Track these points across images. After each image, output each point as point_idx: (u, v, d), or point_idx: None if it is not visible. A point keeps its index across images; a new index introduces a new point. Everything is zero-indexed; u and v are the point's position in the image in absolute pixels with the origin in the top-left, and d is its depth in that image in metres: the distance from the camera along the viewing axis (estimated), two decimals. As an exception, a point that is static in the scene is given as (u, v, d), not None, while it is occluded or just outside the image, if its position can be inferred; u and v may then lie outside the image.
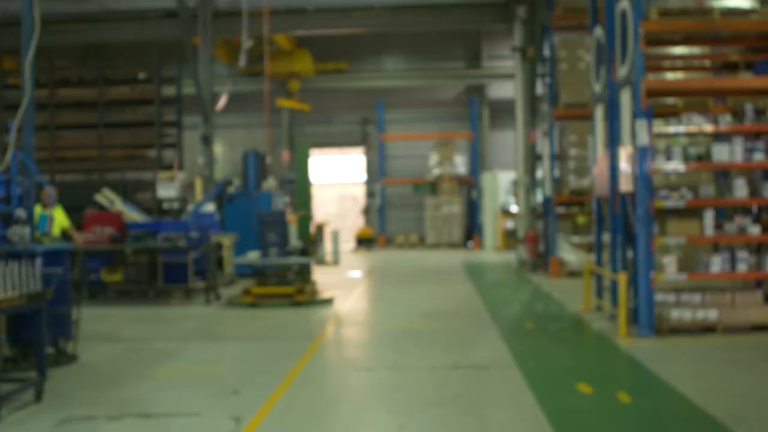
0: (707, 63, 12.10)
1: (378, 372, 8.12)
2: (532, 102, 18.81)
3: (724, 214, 11.55)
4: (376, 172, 29.71)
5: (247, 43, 15.82)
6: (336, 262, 22.00)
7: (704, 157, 9.79)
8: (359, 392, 7.44)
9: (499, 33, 26.24)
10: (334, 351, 9.64)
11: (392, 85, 28.22)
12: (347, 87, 28.42)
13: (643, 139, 9.25)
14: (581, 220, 18.02)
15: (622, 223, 10.36)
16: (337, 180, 31.46)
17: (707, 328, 9.62)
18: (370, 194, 30.04)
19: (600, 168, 11.44)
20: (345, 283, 16.85)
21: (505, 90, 27.79)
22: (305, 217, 16.37)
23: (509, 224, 25.43)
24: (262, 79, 25.30)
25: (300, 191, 16.49)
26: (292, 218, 16.40)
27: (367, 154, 30.25)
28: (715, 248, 10.59)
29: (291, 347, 9.45)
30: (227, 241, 16.42)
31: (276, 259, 13.67)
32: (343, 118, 29.84)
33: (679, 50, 12.04)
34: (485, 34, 27.90)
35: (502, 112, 28.78)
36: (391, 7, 20.89)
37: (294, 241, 14.73)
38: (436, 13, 21.22)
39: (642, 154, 9.32)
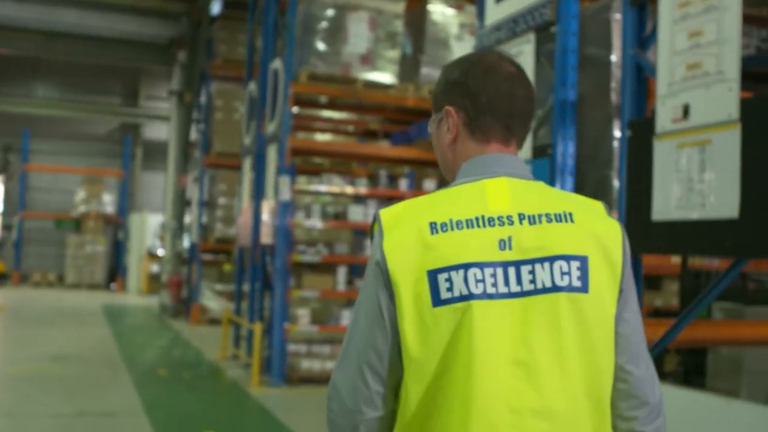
0: (351, 128, 12.94)
1: (-7, 419, 7.58)
2: (186, 147, 18.81)
3: (358, 271, 12.31)
4: (16, 204, 27.78)
5: None
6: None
7: (341, 216, 10.43)
8: (-32, 441, 6.90)
9: (159, 74, 25.98)
10: (-55, 396, 8.84)
11: (41, 113, 26.70)
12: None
13: (285, 194, 9.65)
14: (228, 268, 18.21)
15: (261, 274, 10.67)
16: (-31, 209, 29.03)
17: (334, 378, 10.10)
18: (7, 227, 28.02)
19: (244, 218, 11.72)
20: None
21: (161, 131, 27.48)
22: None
23: (155, 268, 24.90)
24: None
25: None
26: None
27: (7, 183, 28.25)
28: (348, 303, 11.25)
29: None
30: None
31: None
32: (-16, 143, 27.72)
33: (331, 114, 12.75)
34: (145, 73, 27.46)
35: (156, 153, 28.37)
36: (45, 32, 19.87)
37: None
38: (93, 45, 20.55)
39: (283, 209, 9.71)
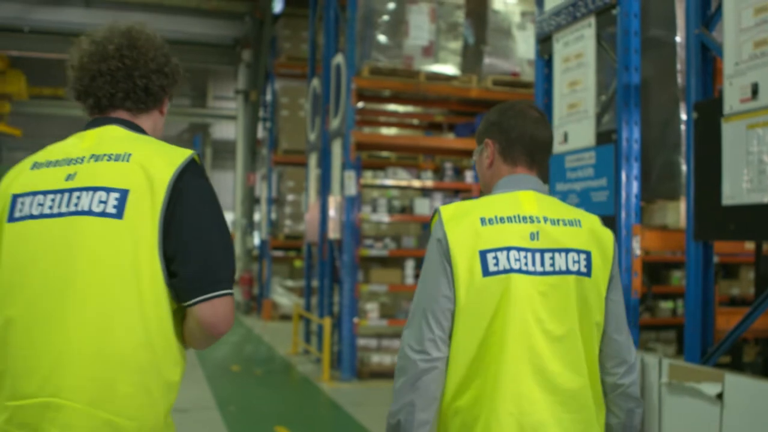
0: (416, 122, 12.88)
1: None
2: (253, 145, 19.00)
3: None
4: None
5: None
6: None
7: (408, 210, 10.39)
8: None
9: (226, 74, 26.31)
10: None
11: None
12: (64, 114, 27.11)
13: (351, 189, 9.65)
14: (298, 264, 18.33)
15: (329, 269, 10.70)
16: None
17: (404, 372, 10.07)
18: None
19: (312, 214, 11.77)
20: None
21: (229, 131, 27.83)
22: None
23: (227, 265, 25.15)
24: (-33, 98, 23.64)
25: None
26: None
27: (83, 186, 28.88)
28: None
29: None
30: None
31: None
32: (59, 148, 28.36)
33: (396, 108, 12.72)
34: (212, 74, 27.85)
35: (224, 152, 28.75)
36: (115, 38, 20.22)
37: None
38: (161, 49, 20.89)
39: (349, 204, 9.72)
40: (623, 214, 4.56)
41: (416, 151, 11.95)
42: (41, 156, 2.15)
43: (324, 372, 9.84)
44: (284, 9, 16.57)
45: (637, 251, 4.47)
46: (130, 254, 1.94)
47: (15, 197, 2.05)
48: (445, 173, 10.71)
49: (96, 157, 2.06)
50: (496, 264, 2.11)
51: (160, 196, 1.98)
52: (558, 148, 5.16)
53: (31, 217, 2.01)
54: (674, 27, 4.79)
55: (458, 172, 10.91)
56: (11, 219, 2.03)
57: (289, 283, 17.90)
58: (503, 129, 2.30)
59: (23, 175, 2.09)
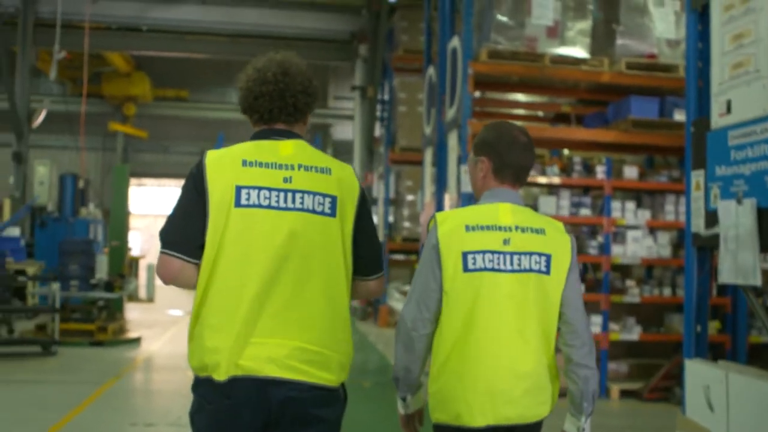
0: (540, 113, 11.86)
1: (157, 428, 7.16)
2: (370, 143, 18.33)
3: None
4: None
5: (59, 54, 14.56)
6: (151, 298, 20.73)
7: (531, 209, 9.39)
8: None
9: (345, 74, 25.82)
10: (119, 399, 8.60)
11: (234, 118, 27.23)
12: (187, 116, 27.23)
13: (468, 185, 8.76)
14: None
15: (444, 273, 9.83)
16: (173, 212, 30.09)
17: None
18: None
19: (427, 214, 10.96)
20: (160, 322, 15.69)
21: (349, 131, 27.35)
22: (119, 249, 15.16)
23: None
24: (96, 99, 23.93)
25: (115, 221, 15.30)
26: (105, 249, 15.18)
27: (206, 187, 29.05)
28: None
29: (70, 393, 8.40)
30: (31, 269, 14.99)
31: (77, 293, 12.48)
32: (182, 149, 28.56)
33: (518, 97, 11.77)
34: (332, 73, 27.42)
35: (344, 153, 28.25)
36: (229, 34, 19.96)
37: (100, 274, 13.52)
38: (276, 45, 20.47)
39: (465, 201, 8.82)
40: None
41: (541, 144, 10.88)
42: (246, 154, 2.76)
43: (436, 385, 8.96)
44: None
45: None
46: (340, 242, 2.71)
47: (239, 188, 2.66)
48: (573, 169, 9.65)
49: (305, 168, 2.74)
50: (474, 263, 2.74)
51: (354, 202, 2.77)
52: (718, 121, 4.10)
53: (258, 206, 2.66)
54: None
55: (588, 168, 9.81)
56: (238, 205, 2.64)
57: (408, 288, 17.11)
58: (498, 153, 2.86)
59: (237, 169, 2.69)
